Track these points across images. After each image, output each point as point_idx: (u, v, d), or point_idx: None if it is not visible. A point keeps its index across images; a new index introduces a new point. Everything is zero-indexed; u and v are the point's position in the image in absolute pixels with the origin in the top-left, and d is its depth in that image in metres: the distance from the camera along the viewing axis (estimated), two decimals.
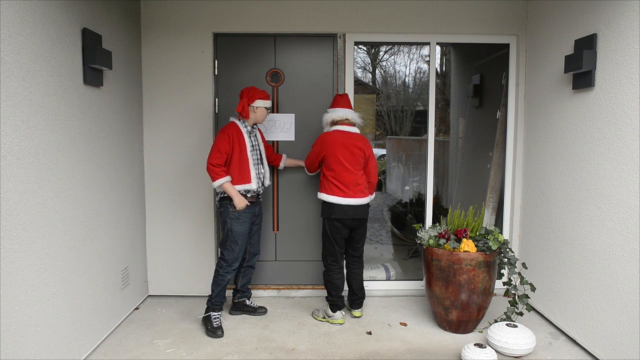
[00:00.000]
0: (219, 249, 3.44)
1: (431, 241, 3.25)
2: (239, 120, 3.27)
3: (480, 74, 4.82)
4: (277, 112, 3.87)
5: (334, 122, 3.38)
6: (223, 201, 3.26)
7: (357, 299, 3.49)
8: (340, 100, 3.42)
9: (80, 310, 2.77)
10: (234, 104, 3.80)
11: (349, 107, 3.42)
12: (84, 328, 2.82)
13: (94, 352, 2.93)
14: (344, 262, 3.54)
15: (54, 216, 2.48)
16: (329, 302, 3.42)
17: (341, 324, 3.40)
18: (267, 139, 3.84)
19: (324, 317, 3.44)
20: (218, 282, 3.27)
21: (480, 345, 2.77)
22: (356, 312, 3.51)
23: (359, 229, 3.41)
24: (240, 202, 3.18)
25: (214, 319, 3.23)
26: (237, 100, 3.80)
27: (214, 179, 3.15)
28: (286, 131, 3.88)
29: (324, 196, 3.33)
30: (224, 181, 3.15)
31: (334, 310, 3.40)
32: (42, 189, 2.38)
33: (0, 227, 2.06)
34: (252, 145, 3.28)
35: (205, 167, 3.44)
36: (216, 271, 3.28)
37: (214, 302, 3.27)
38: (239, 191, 3.21)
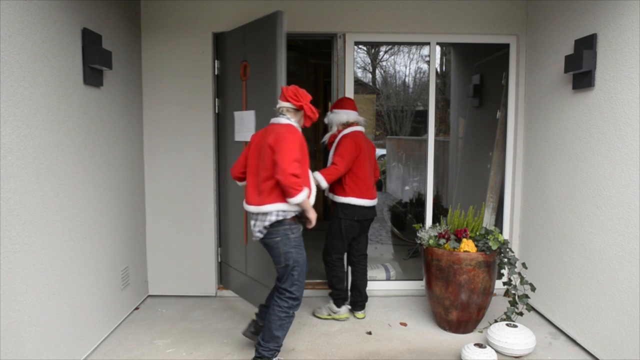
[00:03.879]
0: (280, 288, 2.66)
1: (431, 241, 3.25)
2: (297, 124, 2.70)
3: (480, 74, 4.81)
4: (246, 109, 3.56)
5: (349, 124, 3.37)
6: (277, 227, 2.57)
7: (360, 301, 3.51)
8: (349, 103, 3.42)
9: (80, 310, 2.77)
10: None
11: (356, 109, 3.44)
12: (84, 328, 2.82)
13: (94, 352, 2.93)
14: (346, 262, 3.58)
15: (54, 216, 2.48)
16: (334, 296, 3.44)
17: (347, 318, 3.43)
18: (235, 139, 3.60)
19: (329, 315, 3.46)
20: (285, 326, 2.64)
21: (480, 345, 2.77)
22: (360, 314, 3.51)
23: (368, 227, 3.50)
24: (315, 216, 2.65)
25: None
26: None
27: (296, 193, 2.47)
28: (251, 130, 3.46)
29: (351, 200, 3.28)
30: (305, 195, 2.53)
31: (339, 305, 3.43)
32: (42, 189, 2.38)
33: (0, 227, 2.06)
34: None
35: (283, 179, 2.46)
36: (284, 316, 2.62)
37: (279, 349, 2.69)
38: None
